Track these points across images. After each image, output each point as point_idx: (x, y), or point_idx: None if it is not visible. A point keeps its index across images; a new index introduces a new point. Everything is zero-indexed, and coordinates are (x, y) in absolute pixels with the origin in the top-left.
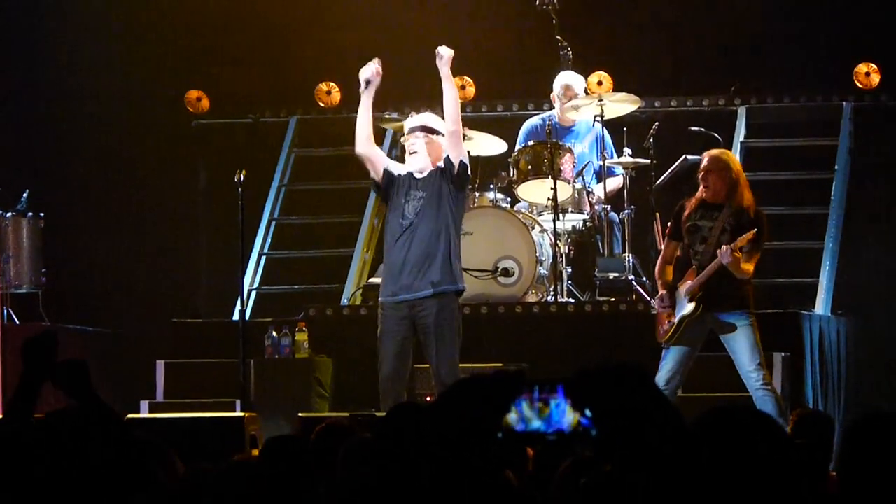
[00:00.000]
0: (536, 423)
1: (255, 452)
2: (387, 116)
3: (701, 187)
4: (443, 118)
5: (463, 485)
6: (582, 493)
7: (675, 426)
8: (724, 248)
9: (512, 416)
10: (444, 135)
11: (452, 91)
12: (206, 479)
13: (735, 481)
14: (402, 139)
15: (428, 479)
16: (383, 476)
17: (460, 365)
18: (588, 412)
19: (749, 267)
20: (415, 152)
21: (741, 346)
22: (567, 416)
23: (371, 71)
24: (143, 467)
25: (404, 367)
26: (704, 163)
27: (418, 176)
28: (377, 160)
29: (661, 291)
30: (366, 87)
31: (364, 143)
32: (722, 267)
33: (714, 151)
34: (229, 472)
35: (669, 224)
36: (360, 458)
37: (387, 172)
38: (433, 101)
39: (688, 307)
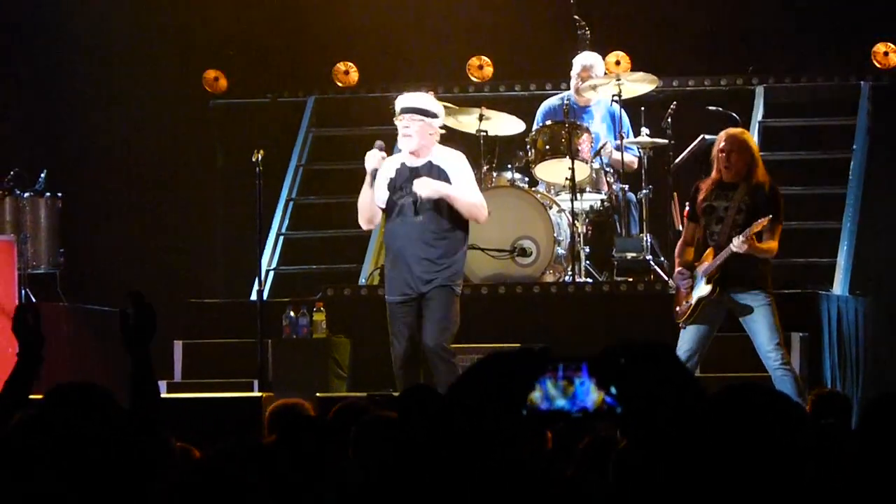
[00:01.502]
0: (561, 402)
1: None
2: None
3: (717, 167)
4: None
5: (482, 465)
6: (612, 471)
7: (699, 405)
8: (735, 239)
9: (536, 395)
10: (436, 116)
11: (458, 202)
12: (222, 461)
13: (749, 459)
14: (394, 120)
15: (447, 460)
16: (399, 458)
17: (476, 345)
18: (613, 390)
19: (771, 245)
20: (409, 135)
21: (759, 326)
22: (592, 395)
23: (377, 159)
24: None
25: (416, 349)
26: (723, 143)
27: (414, 164)
28: (376, 223)
29: (679, 269)
30: (373, 178)
31: (367, 224)
32: (735, 252)
33: (732, 131)
34: (246, 454)
35: (687, 206)
36: (374, 438)
37: (384, 200)
38: (452, 81)
39: (705, 289)
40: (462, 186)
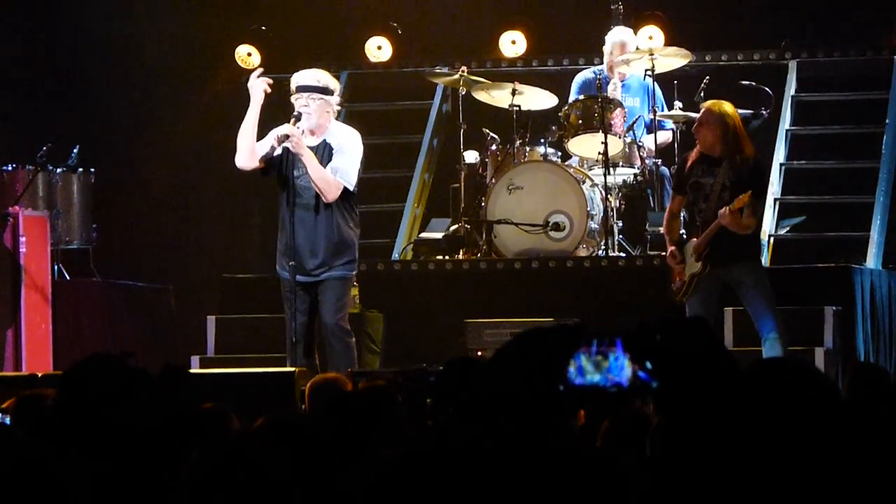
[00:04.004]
0: (595, 377)
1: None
2: (437, 70)
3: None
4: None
5: (530, 439)
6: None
7: (733, 377)
8: (721, 210)
9: (571, 370)
10: (333, 93)
11: (309, 168)
12: (254, 434)
13: (781, 431)
14: (291, 98)
15: (492, 438)
16: (446, 435)
17: (510, 319)
18: (648, 366)
19: (751, 221)
20: (307, 114)
21: (751, 294)
22: (626, 370)
23: (261, 84)
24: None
25: (310, 329)
26: (699, 115)
27: (311, 143)
28: (256, 160)
29: (671, 248)
30: (258, 105)
31: (245, 157)
32: (723, 226)
33: (708, 103)
34: (277, 428)
35: (673, 178)
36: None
37: (266, 158)
38: (485, 56)
39: (695, 265)
40: (334, 162)
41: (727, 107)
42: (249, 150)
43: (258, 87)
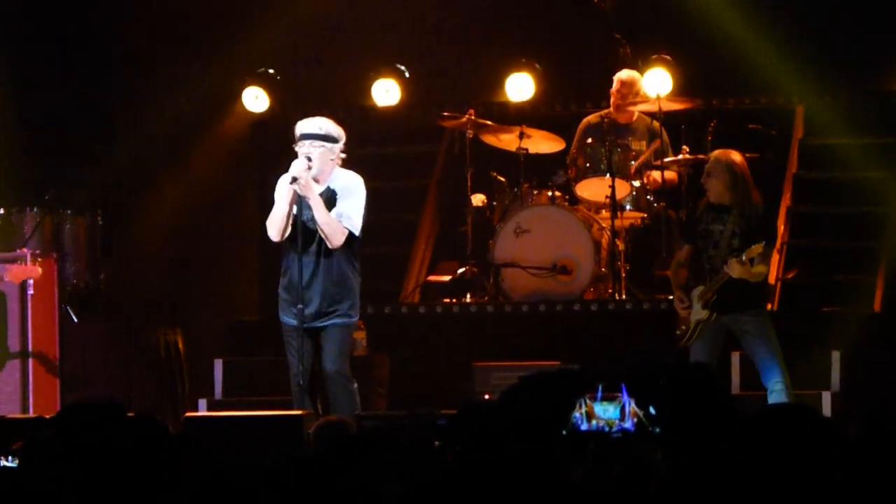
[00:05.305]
0: (600, 422)
1: None
2: (445, 115)
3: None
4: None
5: (528, 482)
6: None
7: (735, 426)
8: (730, 261)
9: (576, 415)
10: (337, 141)
11: (316, 212)
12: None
13: (786, 475)
14: (295, 146)
15: (494, 478)
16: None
17: (517, 363)
18: (652, 411)
19: (761, 269)
20: (311, 160)
21: (757, 342)
22: (631, 415)
23: (302, 167)
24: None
25: (313, 374)
26: (707, 165)
27: (315, 190)
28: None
29: (677, 293)
30: (293, 191)
31: (278, 236)
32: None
33: (716, 153)
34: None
35: (683, 227)
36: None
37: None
38: (492, 99)
39: (702, 313)
40: (339, 207)
41: (735, 156)
42: (279, 232)
43: (297, 168)
